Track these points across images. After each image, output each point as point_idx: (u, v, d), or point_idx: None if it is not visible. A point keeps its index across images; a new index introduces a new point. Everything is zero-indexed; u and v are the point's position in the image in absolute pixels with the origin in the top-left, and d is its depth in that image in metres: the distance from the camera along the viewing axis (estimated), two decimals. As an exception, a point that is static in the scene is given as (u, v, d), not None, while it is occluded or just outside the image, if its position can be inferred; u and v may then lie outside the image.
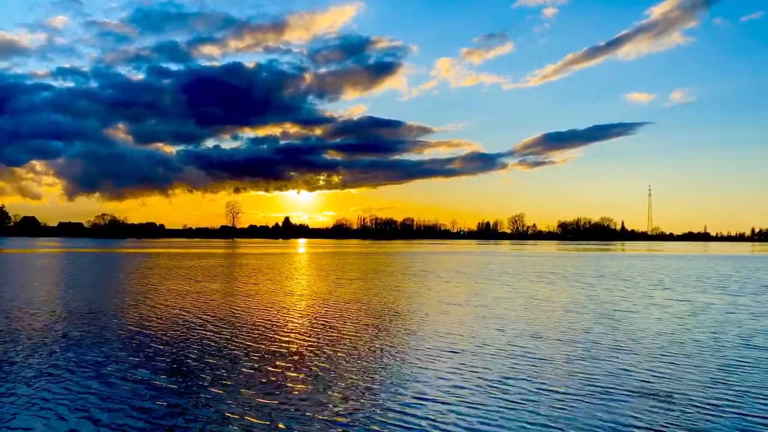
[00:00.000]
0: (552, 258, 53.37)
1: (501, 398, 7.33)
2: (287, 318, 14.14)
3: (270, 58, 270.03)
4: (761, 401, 7.29)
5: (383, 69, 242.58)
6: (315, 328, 12.70)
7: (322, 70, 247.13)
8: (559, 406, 7.02)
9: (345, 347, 10.51)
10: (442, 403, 7.12)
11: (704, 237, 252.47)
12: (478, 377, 8.38)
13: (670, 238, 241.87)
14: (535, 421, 6.48)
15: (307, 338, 11.42)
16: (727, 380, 8.32)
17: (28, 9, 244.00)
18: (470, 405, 7.04)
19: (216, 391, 7.56)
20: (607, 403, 7.15)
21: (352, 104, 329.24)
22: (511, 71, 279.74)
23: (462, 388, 7.81)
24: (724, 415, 6.74)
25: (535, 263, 42.99)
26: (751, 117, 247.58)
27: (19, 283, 22.71)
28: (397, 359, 9.53)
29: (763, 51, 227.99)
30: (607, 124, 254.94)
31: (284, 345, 10.71)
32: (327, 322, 13.55)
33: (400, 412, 6.73)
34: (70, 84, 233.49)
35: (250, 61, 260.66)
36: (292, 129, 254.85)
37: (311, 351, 10.18)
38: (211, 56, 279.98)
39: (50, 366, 8.93)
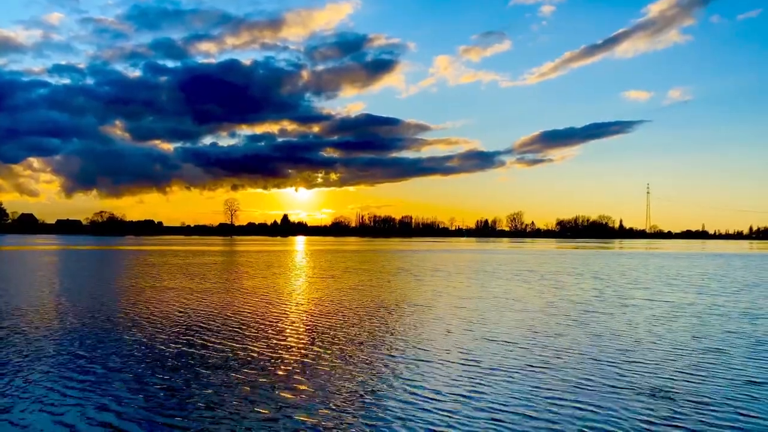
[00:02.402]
0: (537, 256, 52.73)
1: (439, 407, 6.72)
2: (235, 319, 13.53)
3: (267, 55, 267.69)
4: (718, 408, 6.69)
5: (381, 66, 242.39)
6: (256, 330, 12.08)
7: (320, 67, 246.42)
8: (499, 414, 6.41)
9: (279, 352, 9.90)
10: (375, 411, 6.51)
11: (702, 235, 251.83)
12: (415, 385, 7.76)
13: (669, 236, 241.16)
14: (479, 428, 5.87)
15: (244, 343, 10.80)
16: (684, 387, 7.69)
17: (24, 6, 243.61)
18: (403, 415, 6.43)
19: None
20: (558, 408, 6.55)
21: (350, 102, 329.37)
22: (509, 69, 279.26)
23: (400, 397, 7.20)
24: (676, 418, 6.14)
25: (519, 261, 42.37)
26: (749, 115, 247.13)
27: (16, 281, 22.23)
28: (335, 365, 8.90)
29: (760, 49, 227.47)
30: (604, 122, 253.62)
31: (212, 347, 10.12)
32: (271, 324, 12.95)
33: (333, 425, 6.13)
34: (66, 81, 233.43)
35: (247, 59, 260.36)
36: (290, 126, 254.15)
37: (242, 355, 9.58)
38: (208, 53, 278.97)
39: (41, 365, 8.83)
